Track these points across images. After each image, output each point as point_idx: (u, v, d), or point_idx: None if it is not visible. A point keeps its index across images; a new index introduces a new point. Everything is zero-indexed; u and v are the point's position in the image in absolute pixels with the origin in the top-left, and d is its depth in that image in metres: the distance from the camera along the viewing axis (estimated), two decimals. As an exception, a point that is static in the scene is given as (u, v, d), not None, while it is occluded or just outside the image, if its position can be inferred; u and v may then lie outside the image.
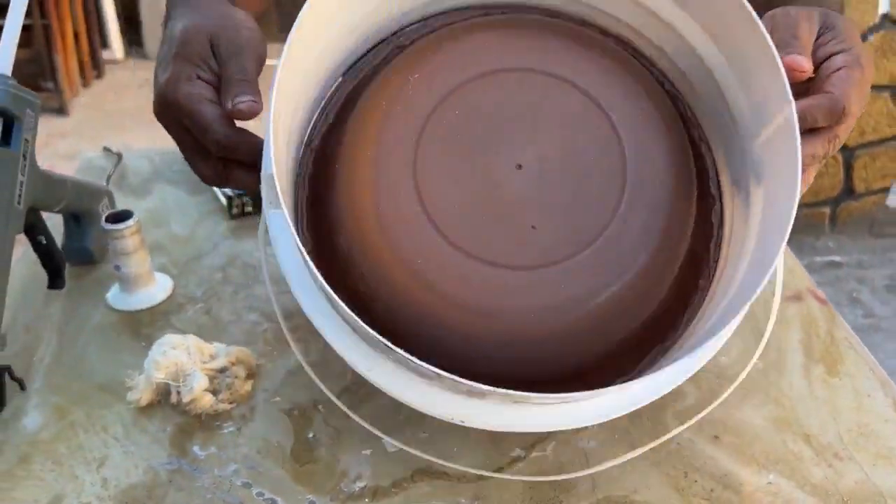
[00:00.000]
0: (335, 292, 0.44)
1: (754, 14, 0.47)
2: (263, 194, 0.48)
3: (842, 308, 1.98)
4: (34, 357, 0.65)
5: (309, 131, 0.55)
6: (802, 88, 0.50)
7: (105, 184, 0.86)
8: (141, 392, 0.58)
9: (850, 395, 0.60)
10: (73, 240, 0.74)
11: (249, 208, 0.83)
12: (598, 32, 0.56)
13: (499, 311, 0.49)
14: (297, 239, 0.45)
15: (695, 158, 0.54)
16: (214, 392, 0.59)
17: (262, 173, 0.49)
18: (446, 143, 0.50)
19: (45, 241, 0.67)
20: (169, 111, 0.52)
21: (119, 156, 0.93)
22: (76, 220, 0.74)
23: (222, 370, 0.60)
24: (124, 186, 0.89)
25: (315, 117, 0.55)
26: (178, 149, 0.56)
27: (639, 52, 0.57)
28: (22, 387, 0.61)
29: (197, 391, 0.56)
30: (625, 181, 0.51)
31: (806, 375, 0.62)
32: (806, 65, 0.48)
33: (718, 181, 0.56)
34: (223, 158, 0.53)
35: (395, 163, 0.50)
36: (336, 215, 0.51)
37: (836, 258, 2.15)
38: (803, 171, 0.47)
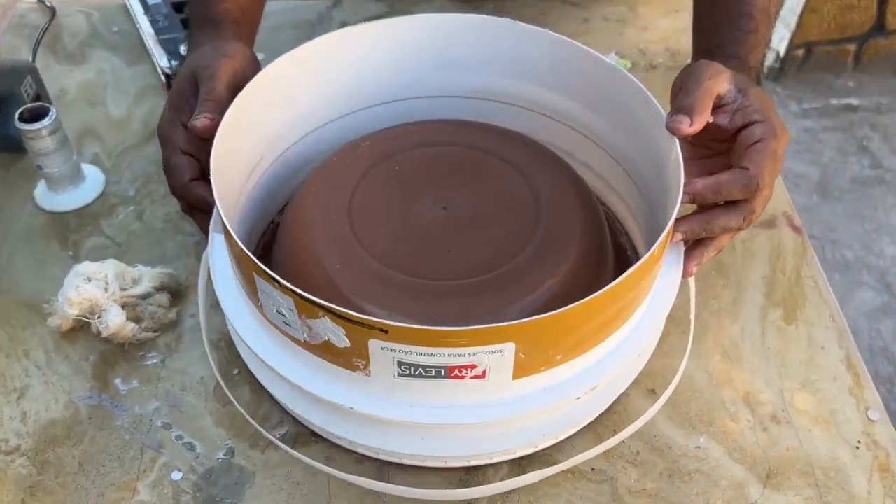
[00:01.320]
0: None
1: (645, 90, 0.54)
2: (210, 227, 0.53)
3: (848, 157, 1.90)
4: (-44, 265, 0.62)
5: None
6: (724, 149, 0.54)
7: (34, 47, 0.79)
8: (60, 319, 0.56)
9: (802, 346, 0.57)
10: (-8, 125, 0.69)
11: (191, 87, 0.76)
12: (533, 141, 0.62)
13: (408, 308, 0.49)
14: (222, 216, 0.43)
15: (616, 245, 0.60)
16: (137, 319, 0.57)
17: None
18: (384, 188, 0.56)
19: (-43, 143, 0.62)
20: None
21: (52, 11, 0.84)
22: (-6, 103, 0.68)
23: (145, 296, 0.57)
24: (59, 51, 0.81)
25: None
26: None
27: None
28: (-58, 301, 0.59)
29: (113, 328, 0.54)
30: (536, 227, 0.53)
31: (761, 321, 0.59)
32: (685, 127, 0.50)
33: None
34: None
35: (334, 201, 0.54)
36: (277, 249, 0.57)
37: (854, 100, 2.04)
38: (717, 239, 0.52)
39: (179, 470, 0.51)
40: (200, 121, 0.53)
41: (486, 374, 0.45)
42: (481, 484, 0.50)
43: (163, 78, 0.76)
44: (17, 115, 0.62)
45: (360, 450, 0.52)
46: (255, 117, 0.56)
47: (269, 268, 0.50)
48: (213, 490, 0.50)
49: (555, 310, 0.50)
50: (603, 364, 0.48)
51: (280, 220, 0.60)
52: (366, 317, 0.42)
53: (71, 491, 0.50)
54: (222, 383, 0.53)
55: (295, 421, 0.53)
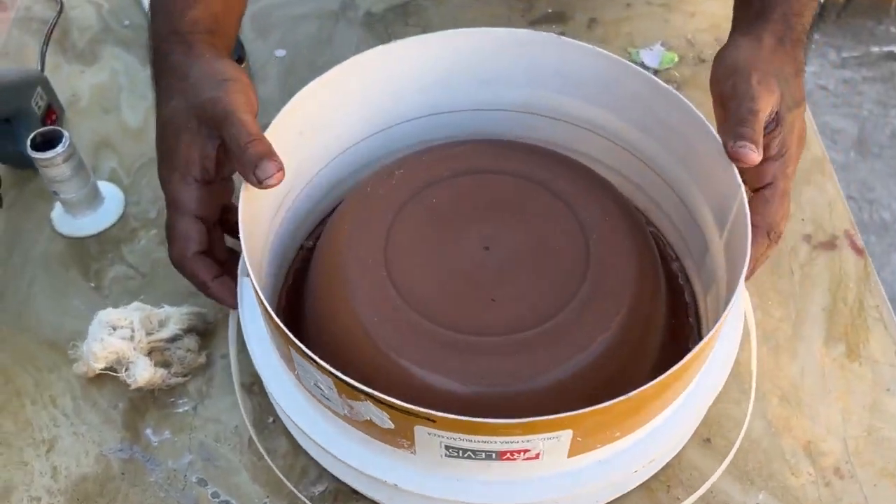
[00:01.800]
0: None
1: (705, 120, 0.50)
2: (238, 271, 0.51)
3: (889, 110, 1.82)
4: (-24, 299, 0.59)
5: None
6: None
7: (42, 50, 0.74)
8: (86, 367, 0.53)
9: (866, 389, 0.54)
10: (5, 143, 0.65)
11: (210, 92, 0.71)
12: (579, 162, 0.58)
13: (451, 369, 0.46)
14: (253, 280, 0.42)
15: (666, 272, 0.56)
16: (166, 364, 0.54)
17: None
18: (421, 223, 0.52)
19: (-32, 167, 0.59)
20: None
21: (60, 5, 0.79)
22: (6, 121, 0.64)
23: (173, 339, 0.55)
24: (68, 48, 0.76)
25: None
26: None
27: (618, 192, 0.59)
28: (-36, 341, 0.57)
29: (141, 381, 0.51)
30: (587, 270, 0.50)
31: (822, 359, 0.56)
32: (755, 158, 0.47)
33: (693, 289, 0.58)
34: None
35: (367, 239, 0.51)
36: (306, 292, 0.54)
37: (895, 48, 1.94)
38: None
39: (217, 532, 0.49)
40: (276, 176, 0.45)
41: (541, 456, 0.42)
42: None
43: (180, 82, 0.71)
44: (28, 142, 0.58)
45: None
46: (282, 150, 0.52)
47: (302, 309, 0.48)
48: (252, 555, 0.48)
49: (612, 366, 0.47)
50: (662, 432, 0.45)
51: (313, 249, 0.57)
52: (412, 406, 0.39)
53: (107, 556, 0.48)
54: (255, 439, 0.51)
55: (333, 476, 0.51)
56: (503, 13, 0.79)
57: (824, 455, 0.51)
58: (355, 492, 0.50)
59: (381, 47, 0.54)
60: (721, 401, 0.53)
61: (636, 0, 0.79)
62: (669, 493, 0.50)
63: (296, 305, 0.56)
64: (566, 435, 0.40)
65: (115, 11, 0.79)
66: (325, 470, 0.51)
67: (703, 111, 0.50)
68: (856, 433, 0.52)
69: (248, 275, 0.44)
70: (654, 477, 0.51)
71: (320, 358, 0.41)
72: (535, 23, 0.78)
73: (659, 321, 0.53)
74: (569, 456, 0.42)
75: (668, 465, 0.51)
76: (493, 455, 0.41)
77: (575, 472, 0.44)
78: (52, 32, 0.76)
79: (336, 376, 0.40)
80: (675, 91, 0.51)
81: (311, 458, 0.52)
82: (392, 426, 0.41)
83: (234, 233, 0.46)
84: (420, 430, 0.40)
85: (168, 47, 0.52)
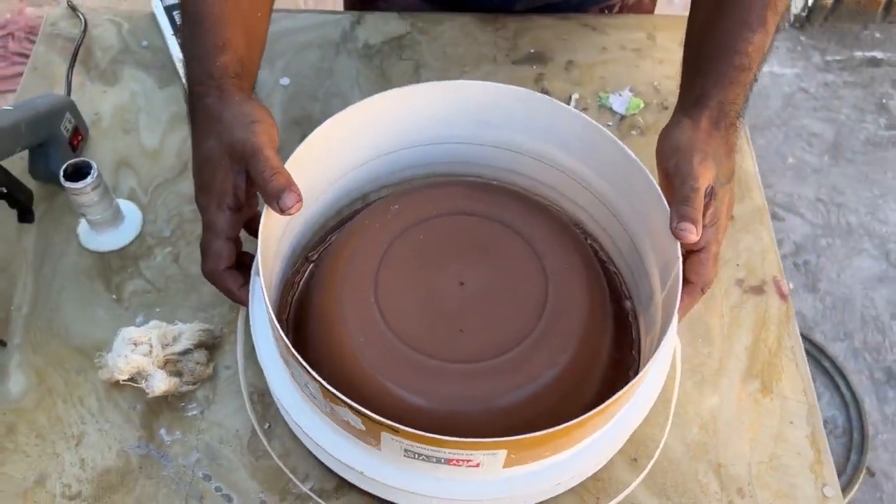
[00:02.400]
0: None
1: (661, 194, 0.58)
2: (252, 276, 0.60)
3: (865, 115, 1.90)
4: (11, 306, 0.68)
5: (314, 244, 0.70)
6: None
7: (68, 73, 0.82)
8: (109, 375, 0.62)
9: (774, 421, 0.64)
10: (38, 163, 0.73)
11: (220, 118, 0.79)
12: (549, 207, 0.69)
13: (426, 390, 0.55)
14: (266, 298, 0.53)
15: (618, 310, 0.66)
16: (178, 374, 0.63)
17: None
18: (408, 257, 0.61)
19: (6, 191, 0.67)
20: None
21: (84, 23, 0.86)
22: (40, 144, 0.72)
23: (185, 352, 0.64)
24: (91, 68, 0.84)
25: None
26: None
27: (585, 231, 0.71)
28: (3, 343, 0.66)
29: (158, 391, 0.60)
30: (543, 310, 0.59)
31: (739, 393, 0.65)
32: (694, 238, 0.55)
33: (639, 327, 0.66)
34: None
35: (362, 267, 0.60)
36: (309, 305, 0.63)
37: (878, 53, 2.01)
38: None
39: (219, 521, 0.59)
40: (296, 206, 0.55)
41: (480, 466, 0.52)
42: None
43: (193, 108, 0.79)
44: (61, 172, 0.66)
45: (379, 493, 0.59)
46: (299, 171, 0.61)
47: (307, 322, 0.58)
48: (248, 542, 0.58)
49: (556, 395, 0.57)
50: (586, 453, 0.55)
51: (315, 261, 0.67)
52: (380, 418, 0.48)
53: (127, 537, 0.58)
54: (263, 439, 0.60)
55: (319, 476, 0.61)
56: (489, 52, 0.86)
57: (731, 478, 0.61)
58: (336, 489, 0.60)
59: (392, 91, 0.63)
60: (650, 425, 0.63)
61: (611, 44, 0.87)
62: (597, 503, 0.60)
63: (302, 314, 0.65)
64: (501, 453, 0.50)
65: (135, 31, 0.86)
66: (312, 469, 0.61)
67: None
68: (760, 459, 0.62)
69: (261, 287, 0.54)
70: (585, 488, 0.60)
71: (319, 364, 0.51)
72: (518, 62, 0.85)
73: (603, 357, 0.62)
74: (504, 467, 0.52)
75: (598, 479, 0.61)
76: (443, 461, 0.51)
77: (508, 480, 0.54)
78: (77, 53, 0.83)
79: (321, 384, 0.49)
80: (640, 164, 0.59)
81: (301, 459, 0.61)
82: (363, 428, 0.51)
83: (256, 233, 0.56)
84: (385, 436, 0.50)
85: (202, 90, 0.60)
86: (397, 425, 0.48)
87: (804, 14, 2.02)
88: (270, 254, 0.60)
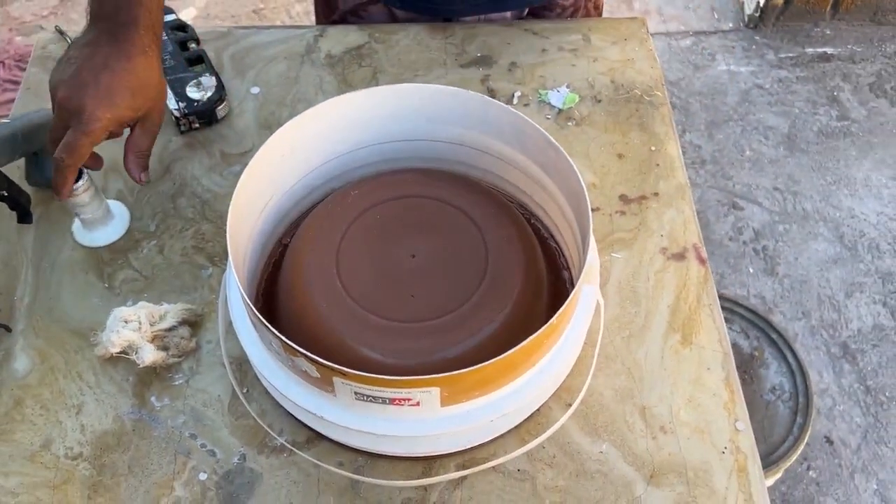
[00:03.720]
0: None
1: (574, 167, 0.66)
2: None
3: (818, 108, 2.00)
4: (15, 296, 0.76)
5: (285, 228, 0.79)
6: None
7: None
8: (104, 351, 0.71)
9: (693, 368, 0.72)
10: (34, 171, 0.82)
11: (197, 125, 0.88)
12: (494, 191, 0.77)
13: (379, 346, 0.64)
14: (237, 282, 0.58)
15: (556, 279, 0.76)
16: (165, 348, 0.72)
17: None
18: (366, 234, 0.70)
19: (6, 194, 0.75)
20: (70, 115, 0.69)
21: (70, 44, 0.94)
22: (35, 154, 0.81)
23: (170, 329, 0.72)
24: (79, 85, 0.92)
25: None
26: None
27: (529, 212, 0.80)
28: (8, 329, 0.74)
29: (148, 361, 0.69)
30: (483, 276, 0.68)
31: (662, 345, 0.74)
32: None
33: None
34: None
35: (325, 244, 0.69)
36: (280, 279, 0.72)
37: (829, 49, 2.11)
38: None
39: (205, 472, 0.67)
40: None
41: (420, 404, 0.60)
42: (432, 476, 0.67)
43: (173, 117, 0.88)
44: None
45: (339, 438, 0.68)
46: (267, 168, 0.69)
47: (277, 294, 0.66)
48: (230, 488, 0.66)
49: (492, 349, 0.66)
50: (519, 394, 0.64)
51: (287, 244, 0.75)
52: (329, 363, 0.57)
53: (124, 489, 0.66)
54: (243, 400, 0.68)
55: (291, 430, 0.69)
56: (439, 57, 0.95)
57: (654, 417, 0.70)
58: (307, 441, 0.68)
59: (349, 94, 0.71)
60: (583, 374, 0.71)
61: (550, 46, 0.96)
62: (534, 441, 0.68)
63: (273, 289, 0.73)
64: (435, 390, 0.58)
65: (117, 52, 0.95)
66: (285, 425, 0.69)
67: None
68: (679, 401, 0.71)
69: (231, 261, 0.62)
70: (526, 430, 0.69)
71: (289, 329, 0.59)
72: (466, 65, 0.94)
73: (539, 316, 0.70)
74: (442, 405, 0.60)
75: (537, 422, 0.69)
76: (387, 401, 0.59)
77: (447, 417, 0.62)
78: (65, 72, 0.92)
79: (280, 339, 0.57)
80: (560, 147, 0.67)
81: (275, 417, 0.70)
82: (318, 376, 0.59)
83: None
84: (337, 381, 0.58)
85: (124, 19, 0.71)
86: (345, 369, 0.56)
87: (757, 14, 2.12)
88: (243, 239, 0.68)
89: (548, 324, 0.60)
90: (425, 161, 0.80)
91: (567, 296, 0.77)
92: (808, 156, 1.92)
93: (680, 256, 0.80)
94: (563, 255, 0.78)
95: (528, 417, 0.69)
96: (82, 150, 0.68)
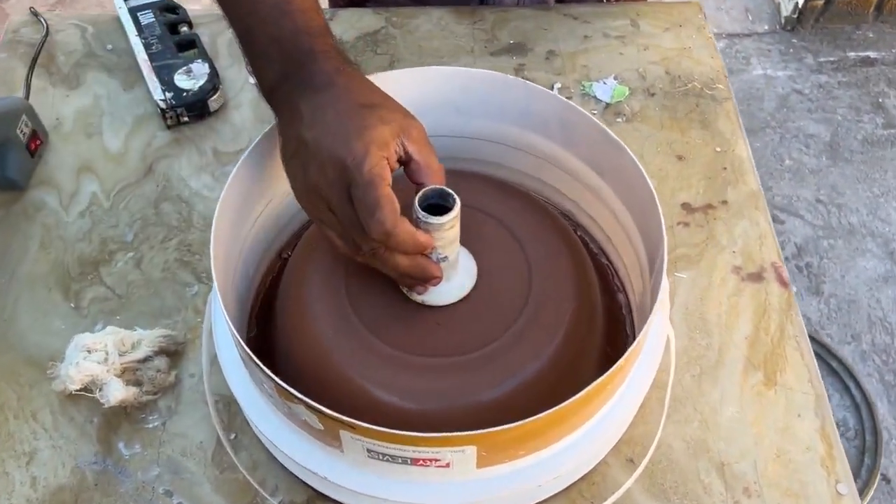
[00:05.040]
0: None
1: (644, 173, 0.54)
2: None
3: (862, 115, 1.87)
4: (-37, 317, 0.64)
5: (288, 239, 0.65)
6: None
7: (28, 77, 0.78)
8: (62, 385, 0.58)
9: (780, 414, 0.59)
10: (-7, 168, 0.70)
11: (186, 118, 0.76)
12: (535, 197, 0.65)
13: (396, 386, 0.51)
14: (223, 309, 0.48)
15: (610, 303, 0.62)
16: (138, 383, 0.59)
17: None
18: None
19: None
20: (339, 180, 0.48)
21: (46, 28, 0.83)
22: (-7, 147, 0.69)
23: (144, 360, 0.59)
24: (53, 72, 0.80)
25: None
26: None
27: (575, 223, 0.66)
28: (-48, 357, 0.62)
29: (114, 401, 0.56)
30: (526, 302, 0.54)
31: (740, 385, 0.61)
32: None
33: (633, 321, 0.62)
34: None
35: (333, 258, 0.55)
36: (277, 301, 0.59)
37: (872, 53, 1.98)
38: None
39: (181, 540, 0.54)
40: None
41: (451, 465, 0.47)
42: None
43: (158, 109, 0.75)
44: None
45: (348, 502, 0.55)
46: (263, 166, 0.57)
47: (275, 319, 0.54)
48: (212, 561, 0.53)
49: (538, 391, 0.53)
50: (569, 452, 0.51)
51: (288, 258, 0.62)
52: (335, 414, 0.44)
53: (81, 561, 0.53)
54: (230, 449, 0.55)
55: (288, 488, 0.56)
56: (466, 44, 0.83)
57: (735, 476, 0.57)
58: (307, 503, 0.55)
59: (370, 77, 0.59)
60: (647, 423, 0.59)
61: (594, 32, 0.84)
62: (593, 509, 0.55)
63: (271, 314, 0.61)
64: (471, 449, 0.45)
65: (99, 35, 0.83)
66: (280, 483, 0.56)
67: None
68: (766, 456, 0.58)
69: (214, 278, 0.50)
70: (578, 492, 0.56)
71: (287, 365, 0.46)
72: (496, 53, 0.82)
73: (593, 352, 0.57)
74: (477, 467, 0.48)
75: (592, 482, 0.56)
76: (408, 461, 0.46)
77: (483, 482, 0.49)
78: (37, 58, 0.80)
79: (274, 381, 0.45)
80: (622, 143, 0.56)
81: (269, 471, 0.57)
82: (322, 428, 0.46)
83: None
84: (345, 435, 0.46)
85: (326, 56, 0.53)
86: (354, 421, 0.44)
87: (795, 16, 1.99)
88: (232, 251, 0.56)
89: (615, 366, 0.47)
90: (451, 161, 0.67)
91: (623, 323, 0.65)
92: (852, 165, 1.79)
93: (757, 277, 0.66)
94: (618, 275, 0.65)
95: (581, 476, 0.56)
96: (384, 198, 0.47)
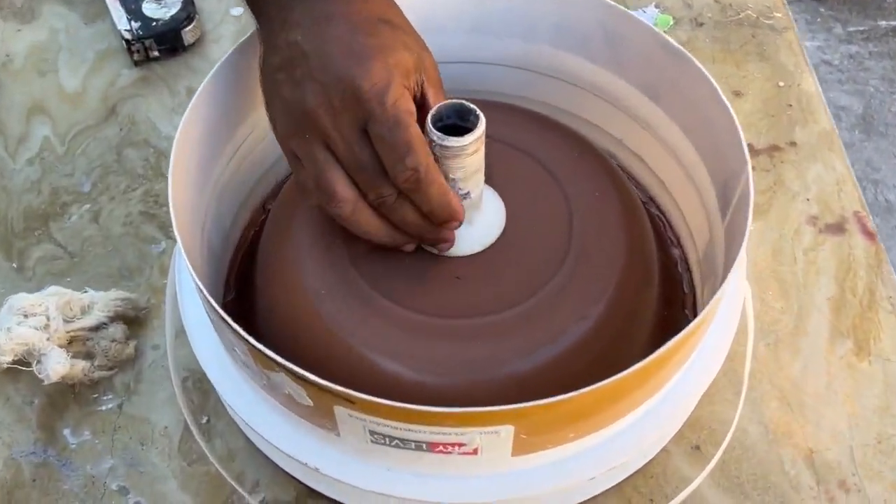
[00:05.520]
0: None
1: (717, 87, 0.43)
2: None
3: (893, 96, 1.75)
4: None
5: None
6: None
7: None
8: (-3, 358, 0.47)
9: (877, 391, 0.48)
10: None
11: (155, 52, 0.64)
12: (571, 129, 0.52)
13: (406, 354, 0.40)
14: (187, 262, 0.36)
15: (664, 258, 0.51)
16: (89, 356, 0.48)
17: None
18: None
19: None
20: (349, 110, 0.37)
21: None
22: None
23: (97, 328, 0.49)
24: (4, 6, 0.69)
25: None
26: None
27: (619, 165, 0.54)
28: None
29: (55, 376, 0.45)
30: (568, 250, 0.43)
31: (827, 357, 0.50)
32: None
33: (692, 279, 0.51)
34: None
35: (324, 215, 0.42)
36: (258, 256, 0.47)
37: (905, 22, 1.87)
38: None
39: (137, 549, 0.43)
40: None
41: (479, 452, 0.36)
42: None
43: (123, 42, 0.64)
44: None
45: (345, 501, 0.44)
46: (242, 84, 0.46)
47: (252, 279, 0.44)
48: (175, 576, 0.42)
49: (581, 360, 0.42)
50: (628, 436, 0.40)
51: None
52: (326, 383, 0.33)
53: (10, 576, 0.43)
54: (199, 437, 0.44)
55: (272, 483, 0.45)
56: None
57: (829, 466, 0.46)
58: (296, 501, 0.44)
59: None
60: (713, 402, 0.48)
61: (629, -43, 0.72)
62: (652, 509, 0.44)
63: (252, 269, 0.50)
64: (507, 430, 0.34)
65: (58, -36, 0.72)
66: (263, 477, 0.45)
67: None
68: (864, 441, 0.46)
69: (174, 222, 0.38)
70: (633, 488, 0.45)
71: (267, 329, 0.35)
72: (518, -19, 0.71)
73: (648, 313, 0.46)
74: (513, 454, 0.37)
75: (650, 475, 0.45)
76: (424, 446, 0.35)
77: (519, 474, 0.38)
78: (-15, -13, 0.69)
79: (248, 342, 0.34)
80: (686, 52, 0.44)
81: (249, 463, 0.46)
82: (311, 403, 0.35)
83: None
84: (340, 411, 0.35)
85: None
86: (352, 392, 0.32)
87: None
88: (202, 196, 0.45)
89: (692, 324, 0.35)
90: (466, 94, 0.56)
91: (680, 283, 0.54)
92: (887, 140, 1.67)
93: (837, 229, 0.55)
94: (671, 226, 0.54)
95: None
96: (416, 140, 0.37)
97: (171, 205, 0.39)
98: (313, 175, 0.39)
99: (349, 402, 0.33)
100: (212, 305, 0.36)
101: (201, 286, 0.36)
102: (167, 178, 0.47)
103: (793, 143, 0.60)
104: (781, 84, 0.63)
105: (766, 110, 0.62)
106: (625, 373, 0.34)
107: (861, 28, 1.87)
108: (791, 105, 0.62)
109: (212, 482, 0.45)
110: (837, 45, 1.84)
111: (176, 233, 0.38)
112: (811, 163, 0.59)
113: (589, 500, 0.44)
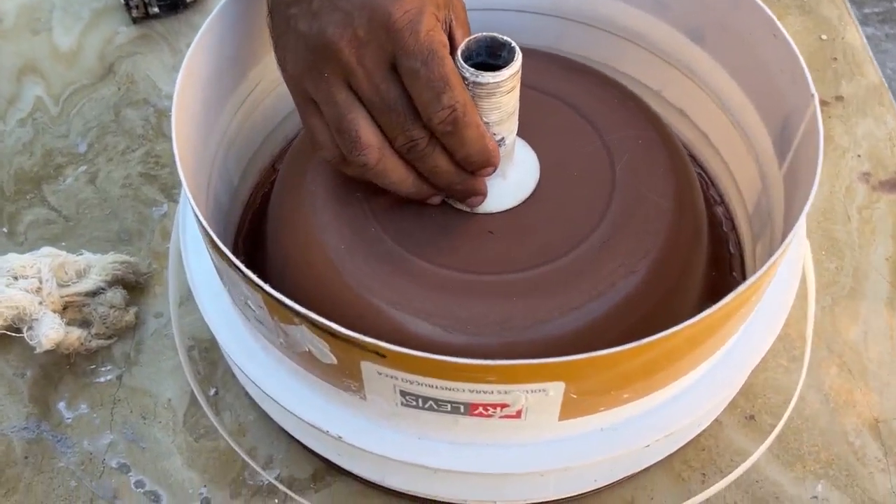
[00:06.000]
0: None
1: (773, 17, 0.39)
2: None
3: (914, 69, 1.71)
4: None
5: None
6: None
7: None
8: (-15, 326, 0.43)
9: (945, 355, 0.44)
10: None
11: (155, 9, 0.60)
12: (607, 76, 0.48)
13: (437, 313, 0.36)
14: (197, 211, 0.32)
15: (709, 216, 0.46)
16: (85, 323, 0.44)
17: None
18: None
19: None
20: (376, 42, 0.33)
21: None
22: None
23: (95, 293, 0.45)
24: (-5, -37, 0.66)
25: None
26: None
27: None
28: None
29: (47, 343, 0.41)
30: (610, 201, 0.39)
31: (889, 321, 0.46)
32: None
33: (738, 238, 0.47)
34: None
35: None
36: (270, 214, 0.43)
37: (920, 3, 1.83)
38: None
39: (139, 531, 0.39)
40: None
41: (523, 415, 0.32)
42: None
43: (122, 1, 0.60)
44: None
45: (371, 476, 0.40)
46: (251, 31, 0.42)
47: (263, 239, 0.40)
48: (181, 560, 0.38)
49: (629, 319, 0.38)
50: (686, 398, 0.36)
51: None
52: (354, 335, 0.29)
53: (-1, 561, 0.39)
54: (208, 410, 0.40)
55: (287, 459, 0.41)
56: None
57: (896, 436, 0.42)
58: (314, 478, 0.41)
59: None
60: (767, 369, 0.44)
61: None
62: (704, 482, 0.40)
63: (264, 235, 0.46)
64: (556, 388, 0.30)
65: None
66: (277, 452, 0.41)
67: None
68: (934, 409, 0.43)
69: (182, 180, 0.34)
70: (684, 460, 0.41)
71: (283, 293, 0.31)
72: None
73: (698, 271, 0.42)
74: (560, 418, 0.33)
75: (702, 447, 0.41)
76: (461, 408, 0.31)
77: (568, 440, 0.34)
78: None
79: (263, 290, 0.30)
80: None
81: (263, 438, 0.42)
82: (334, 360, 0.31)
83: None
84: (368, 368, 0.31)
85: None
86: (384, 345, 0.28)
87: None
88: (207, 149, 0.41)
89: (757, 274, 0.31)
90: None
91: (726, 243, 0.50)
92: (906, 122, 1.64)
93: (892, 185, 0.51)
94: (714, 184, 0.50)
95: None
96: (453, 76, 0.33)
97: (174, 150, 0.34)
98: (334, 118, 0.35)
99: (379, 355, 0.29)
100: (222, 253, 0.32)
101: (210, 231, 0.32)
102: (169, 138, 0.43)
103: (839, 98, 0.56)
104: (824, 37, 0.60)
105: (810, 64, 0.57)
106: (693, 320, 0.30)
107: (877, 10, 1.83)
108: (836, 58, 0.58)
109: (220, 458, 0.41)
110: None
111: (180, 170, 0.33)
112: (860, 118, 0.55)
113: (636, 474, 0.40)
